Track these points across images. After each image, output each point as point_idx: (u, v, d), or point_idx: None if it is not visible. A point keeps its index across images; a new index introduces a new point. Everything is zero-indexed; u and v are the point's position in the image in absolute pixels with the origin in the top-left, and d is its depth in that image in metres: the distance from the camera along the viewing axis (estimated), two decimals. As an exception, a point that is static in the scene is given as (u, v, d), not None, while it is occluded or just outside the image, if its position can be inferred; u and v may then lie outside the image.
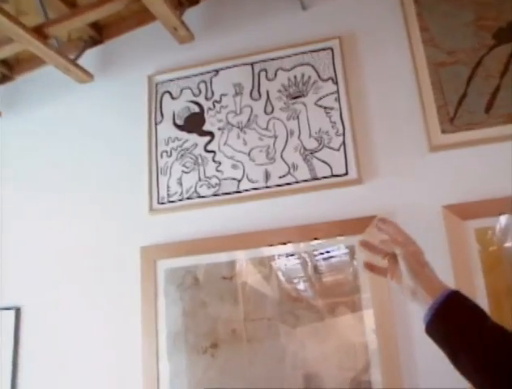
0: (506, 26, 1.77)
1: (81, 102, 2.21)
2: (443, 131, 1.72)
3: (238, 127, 1.94)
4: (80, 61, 2.16)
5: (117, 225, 2.00)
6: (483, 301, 1.53)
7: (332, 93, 1.88)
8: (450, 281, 1.58)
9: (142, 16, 2.15)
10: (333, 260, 1.72)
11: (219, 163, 1.92)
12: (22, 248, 2.10)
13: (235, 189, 1.88)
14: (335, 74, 1.89)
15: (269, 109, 1.93)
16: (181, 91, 2.06)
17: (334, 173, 1.79)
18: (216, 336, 1.75)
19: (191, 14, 2.13)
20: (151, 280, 1.86)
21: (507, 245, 1.58)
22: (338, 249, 1.72)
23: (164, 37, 2.07)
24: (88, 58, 2.22)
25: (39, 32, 1.90)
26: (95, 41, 2.27)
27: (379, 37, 1.91)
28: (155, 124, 2.04)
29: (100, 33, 2.27)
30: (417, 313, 1.57)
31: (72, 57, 2.15)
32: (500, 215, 1.58)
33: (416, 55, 1.81)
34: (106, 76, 2.21)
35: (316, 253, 1.74)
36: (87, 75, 2.16)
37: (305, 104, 1.90)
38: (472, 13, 1.80)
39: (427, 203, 1.68)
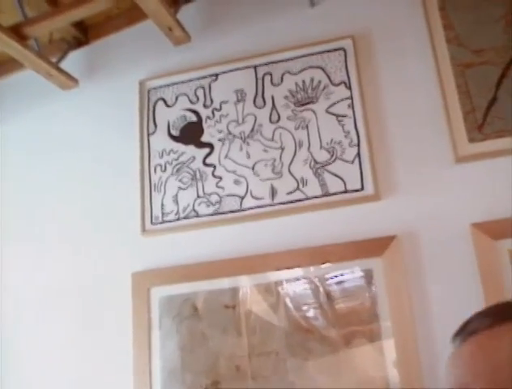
0: (542, 20, 1.70)
1: (64, 111, 2.18)
2: (471, 140, 1.68)
3: (240, 138, 1.92)
4: (63, 65, 2.13)
5: (106, 249, 1.95)
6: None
7: (345, 99, 1.85)
8: (480, 308, 1.59)
9: (133, 15, 2.13)
10: (347, 285, 1.69)
11: (220, 178, 1.89)
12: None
13: (237, 207, 1.85)
14: (348, 78, 1.87)
15: (275, 117, 1.91)
16: (177, 98, 2.03)
17: (349, 188, 1.77)
18: (218, 373, 1.70)
19: (187, 13, 2.10)
20: (143, 310, 1.82)
21: (546, 268, 1.50)
22: (352, 273, 1.69)
23: (157, 38, 2.04)
24: (72, 62, 2.19)
25: (16, 33, 1.86)
26: (79, 43, 2.24)
27: (397, 36, 1.87)
28: (148, 135, 2.01)
29: (85, 34, 2.24)
30: (444, 344, 1.59)
31: (54, 60, 2.12)
32: (537, 233, 1.51)
33: (439, 55, 1.77)
34: (92, 82, 2.18)
35: (328, 277, 1.71)
36: (71, 81, 2.12)
37: (314, 112, 1.87)
38: (502, 6, 1.76)
39: (453, 221, 1.64)
